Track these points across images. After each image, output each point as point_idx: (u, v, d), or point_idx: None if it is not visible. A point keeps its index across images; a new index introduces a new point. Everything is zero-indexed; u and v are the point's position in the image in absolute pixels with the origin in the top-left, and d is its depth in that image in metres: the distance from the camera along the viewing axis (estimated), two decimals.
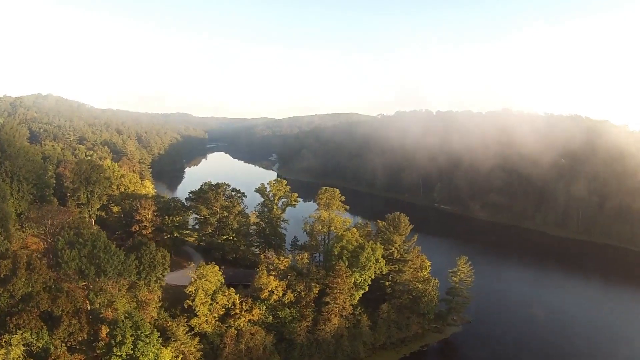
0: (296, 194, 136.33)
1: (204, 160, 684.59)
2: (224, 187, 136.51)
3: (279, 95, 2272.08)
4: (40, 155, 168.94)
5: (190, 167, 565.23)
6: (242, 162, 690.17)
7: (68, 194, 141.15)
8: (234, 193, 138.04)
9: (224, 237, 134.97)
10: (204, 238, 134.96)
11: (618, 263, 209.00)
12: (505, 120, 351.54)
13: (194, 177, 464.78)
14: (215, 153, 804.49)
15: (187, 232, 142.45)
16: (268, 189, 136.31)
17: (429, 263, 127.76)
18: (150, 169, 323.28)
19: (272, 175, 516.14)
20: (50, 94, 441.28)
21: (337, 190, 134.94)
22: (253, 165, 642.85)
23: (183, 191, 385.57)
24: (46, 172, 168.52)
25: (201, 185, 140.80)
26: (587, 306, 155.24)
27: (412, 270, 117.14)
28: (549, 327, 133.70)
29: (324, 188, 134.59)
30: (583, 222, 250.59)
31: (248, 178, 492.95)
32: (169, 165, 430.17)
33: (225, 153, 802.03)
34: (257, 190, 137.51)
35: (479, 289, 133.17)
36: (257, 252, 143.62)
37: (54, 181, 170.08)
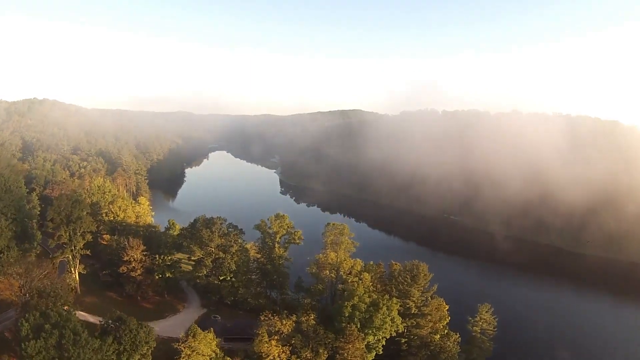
0: (300, 231, 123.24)
1: (205, 160, 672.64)
2: (219, 223, 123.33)
3: (282, 92, 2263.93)
4: (23, 181, 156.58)
5: (192, 167, 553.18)
6: (245, 161, 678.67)
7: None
8: (230, 229, 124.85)
9: (221, 278, 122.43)
10: (198, 281, 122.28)
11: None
12: (518, 125, 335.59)
13: (194, 181, 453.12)
14: (217, 152, 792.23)
15: (181, 272, 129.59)
16: (269, 225, 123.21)
17: (446, 307, 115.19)
18: (147, 180, 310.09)
19: (274, 178, 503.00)
20: (46, 99, 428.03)
21: (346, 226, 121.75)
22: (256, 165, 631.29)
23: (183, 198, 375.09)
24: (30, 201, 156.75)
25: (194, 220, 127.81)
26: (611, 340, 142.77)
27: (431, 324, 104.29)
28: None
29: (332, 224, 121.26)
30: (600, 238, 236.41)
31: (250, 182, 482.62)
32: (169, 171, 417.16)
33: (227, 152, 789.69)
34: (257, 227, 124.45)
35: (498, 320, 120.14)
36: (259, 289, 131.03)
37: (39, 210, 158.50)
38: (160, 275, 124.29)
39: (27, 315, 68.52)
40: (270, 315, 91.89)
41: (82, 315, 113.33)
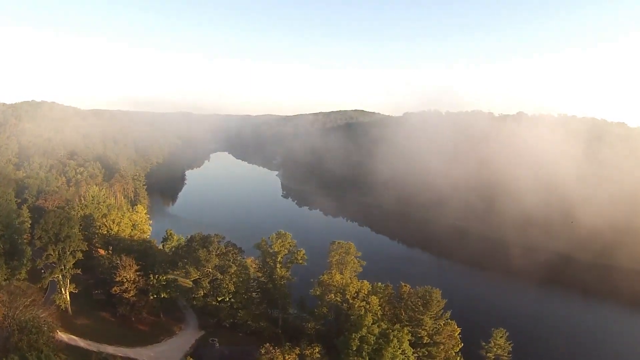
0: (303, 251, 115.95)
1: (206, 162, 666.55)
2: (216, 241, 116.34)
3: (283, 92, 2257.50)
4: (13, 193, 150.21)
5: (192, 169, 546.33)
6: (246, 162, 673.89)
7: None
8: (228, 248, 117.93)
9: (220, 299, 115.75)
10: (195, 302, 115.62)
11: None
12: (527, 130, 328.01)
13: (195, 184, 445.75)
14: (219, 153, 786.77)
15: (177, 292, 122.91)
16: (269, 243, 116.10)
17: (458, 331, 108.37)
18: (146, 185, 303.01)
19: (276, 180, 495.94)
20: (44, 101, 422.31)
21: (352, 244, 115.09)
22: (257, 167, 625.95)
23: (183, 202, 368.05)
24: (20, 215, 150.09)
25: (190, 238, 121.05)
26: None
27: (443, 353, 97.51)
28: None
29: (337, 242, 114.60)
30: (609, 246, 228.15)
31: (252, 184, 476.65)
32: (169, 174, 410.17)
33: (228, 154, 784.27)
34: (257, 247, 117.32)
35: (513, 339, 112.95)
36: (260, 309, 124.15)
37: (29, 224, 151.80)
38: (155, 296, 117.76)
39: (4, 359, 62.11)
40: (271, 348, 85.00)
41: (72, 339, 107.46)
